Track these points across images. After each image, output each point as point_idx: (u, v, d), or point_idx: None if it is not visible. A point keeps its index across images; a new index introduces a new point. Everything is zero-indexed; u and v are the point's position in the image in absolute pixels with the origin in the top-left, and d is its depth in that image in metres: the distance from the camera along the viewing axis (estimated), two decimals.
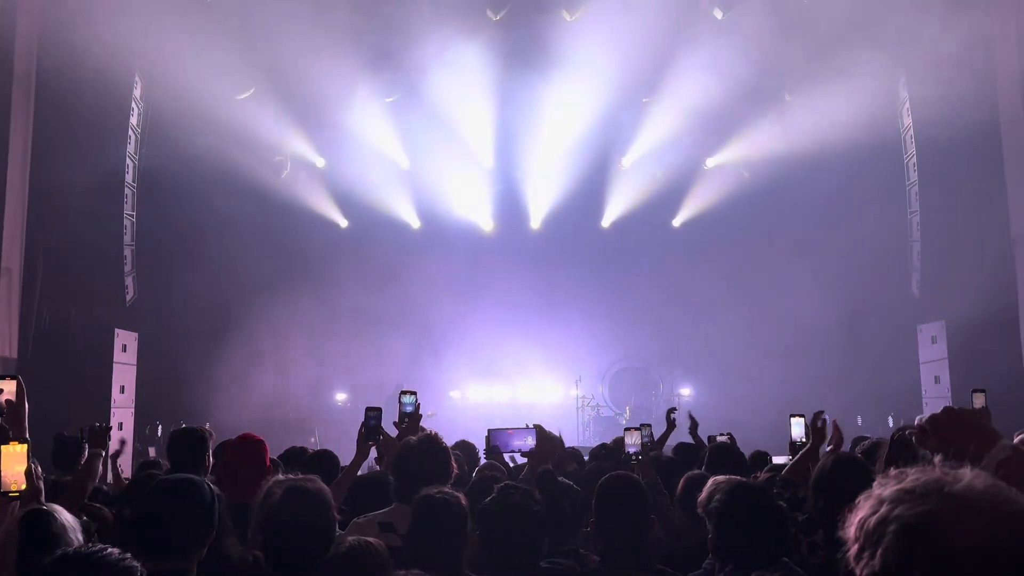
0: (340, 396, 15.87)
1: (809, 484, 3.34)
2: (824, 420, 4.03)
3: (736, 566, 2.61)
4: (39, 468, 4.75)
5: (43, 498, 2.64)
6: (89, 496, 4.12)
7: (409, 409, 4.01)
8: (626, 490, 3.10)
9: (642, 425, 5.15)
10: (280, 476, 2.87)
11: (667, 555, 3.49)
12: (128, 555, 2.08)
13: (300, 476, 2.87)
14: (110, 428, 4.01)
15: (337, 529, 3.04)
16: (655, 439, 5.47)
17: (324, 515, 2.75)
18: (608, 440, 5.74)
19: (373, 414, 3.94)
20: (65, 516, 2.87)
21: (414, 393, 4.11)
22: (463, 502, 2.83)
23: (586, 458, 5.36)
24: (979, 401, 4.75)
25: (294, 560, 2.65)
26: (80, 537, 2.64)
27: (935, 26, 12.16)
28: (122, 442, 6.57)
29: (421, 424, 4.04)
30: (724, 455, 4.47)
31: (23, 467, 2.60)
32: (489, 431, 4.26)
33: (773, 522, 2.68)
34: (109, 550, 2.09)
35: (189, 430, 4.09)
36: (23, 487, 2.59)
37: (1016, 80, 11.88)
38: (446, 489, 2.90)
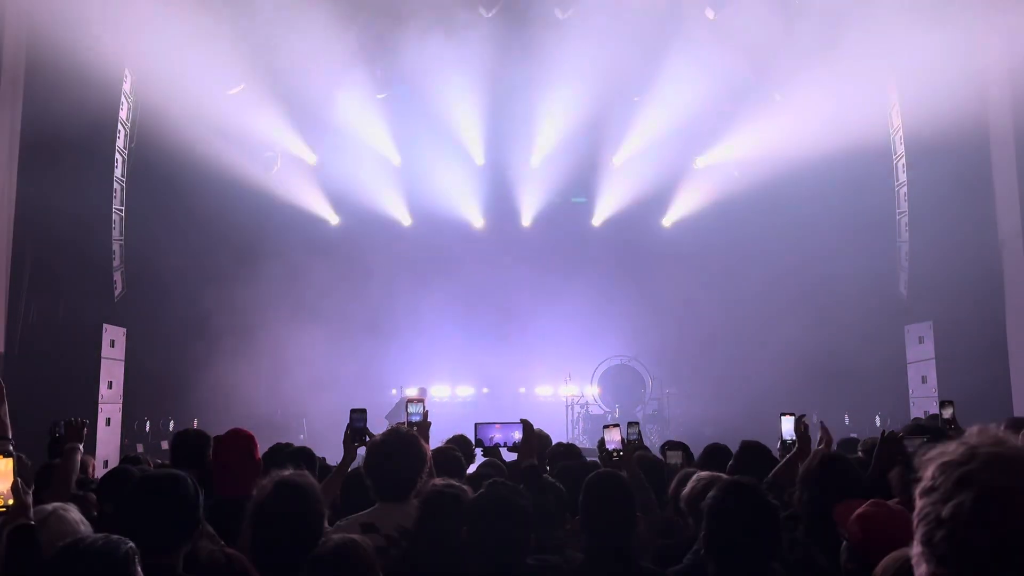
0: (329, 395, 15.83)
1: (797, 477, 3.36)
2: (806, 424, 4.05)
3: (728, 564, 2.62)
4: (27, 464, 4.75)
5: (30, 514, 2.61)
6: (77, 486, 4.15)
7: (417, 419, 3.97)
8: (612, 487, 3.11)
9: (630, 423, 5.15)
10: (285, 472, 2.89)
11: (656, 551, 3.50)
12: (125, 541, 2.11)
13: (291, 471, 2.87)
14: (87, 423, 4.03)
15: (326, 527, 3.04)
16: (641, 437, 5.47)
17: (313, 509, 2.76)
18: (597, 438, 5.74)
19: (358, 416, 3.91)
20: (75, 514, 2.89)
21: (421, 401, 4.07)
22: (465, 491, 2.86)
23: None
24: (947, 412, 4.90)
25: (283, 553, 2.66)
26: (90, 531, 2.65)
27: (925, 28, 12.21)
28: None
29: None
30: (756, 456, 4.35)
31: (8, 482, 2.56)
32: (476, 425, 4.26)
33: (767, 522, 2.68)
34: (100, 537, 2.12)
35: (192, 431, 4.16)
36: (10, 502, 2.54)
37: (1005, 82, 11.95)
38: (453, 482, 2.92)
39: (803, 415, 4.12)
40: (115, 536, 2.14)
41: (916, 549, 1.14)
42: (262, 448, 5.03)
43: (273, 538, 2.71)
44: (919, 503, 1.15)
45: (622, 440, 4.13)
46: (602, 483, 3.13)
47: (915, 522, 1.15)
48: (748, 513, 2.65)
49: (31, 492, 2.64)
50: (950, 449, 1.15)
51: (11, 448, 3.63)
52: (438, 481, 2.86)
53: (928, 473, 1.14)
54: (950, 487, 1.10)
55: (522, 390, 16.30)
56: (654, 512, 3.87)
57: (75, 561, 2.06)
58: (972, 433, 1.16)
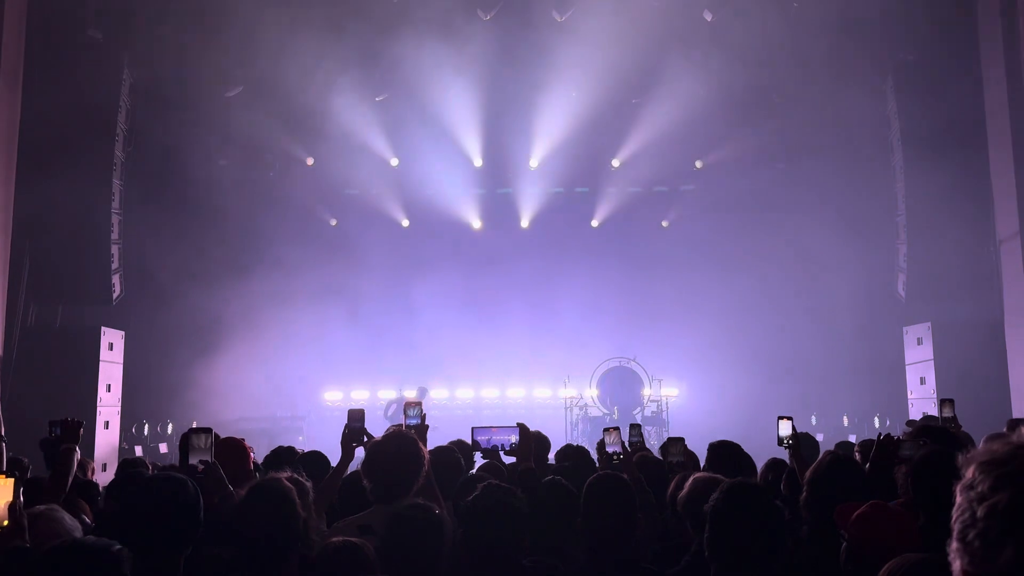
0: (329, 396, 15.85)
1: (805, 477, 3.37)
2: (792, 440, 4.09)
3: (731, 566, 2.62)
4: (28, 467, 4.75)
5: (27, 536, 2.56)
6: (83, 492, 4.14)
7: (415, 422, 3.98)
8: (614, 489, 3.12)
9: (632, 426, 5.16)
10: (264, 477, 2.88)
11: (655, 553, 3.51)
12: (116, 546, 2.09)
13: (270, 476, 2.87)
14: (82, 423, 4.01)
15: (316, 528, 3.04)
16: (643, 439, 5.49)
17: (287, 512, 2.72)
18: (596, 440, 5.77)
19: (357, 415, 3.92)
20: (63, 514, 2.88)
21: (419, 404, 4.08)
22: (435, 513, 2.84)
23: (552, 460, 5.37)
24: (948, 411, 4.92)
25: (261, 556, 2.65)
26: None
27: (923, 30, 12.26)
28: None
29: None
30: (726, 454, 4.40)
31: (7, 501, 2.50)
32: (473, 428, 4.27)
33: (770, 524, 2.67)
34: (90, 541, 2.11)
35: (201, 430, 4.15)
36: (4, 523, 2.47)
37: (1002, 83, 11.98)
38: (419, 502, 2.91)
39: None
40: (105, 539, 2.14)
41: (953, 545, 1.14)
42: (263, 451, 5.04)
43: (249, 541, 2.70)
44: (958, 499, 1.14)
45: (622, 443, 4.14)
46: (604, 485, 3.14)
47: (953, 517, 1.14)
48: (751, 515, 2.64)
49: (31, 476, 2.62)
50: (995, 447, 1.14)
51: (3, 447, 3.62)
52: (402, 503, 2.82)
53: (969, 471, 1.14)
54: (988, 487, 1.09)
55: (521, 392, 16.30)
56: (653, 514, 3.88)
57: (68, 561, 2.05)
58: (1020, 433, 1.15)
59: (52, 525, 2.80)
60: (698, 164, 15.89)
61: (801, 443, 4.41)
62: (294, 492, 2.79)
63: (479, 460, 4.57)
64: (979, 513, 1.09)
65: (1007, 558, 1.05)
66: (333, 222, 16.21)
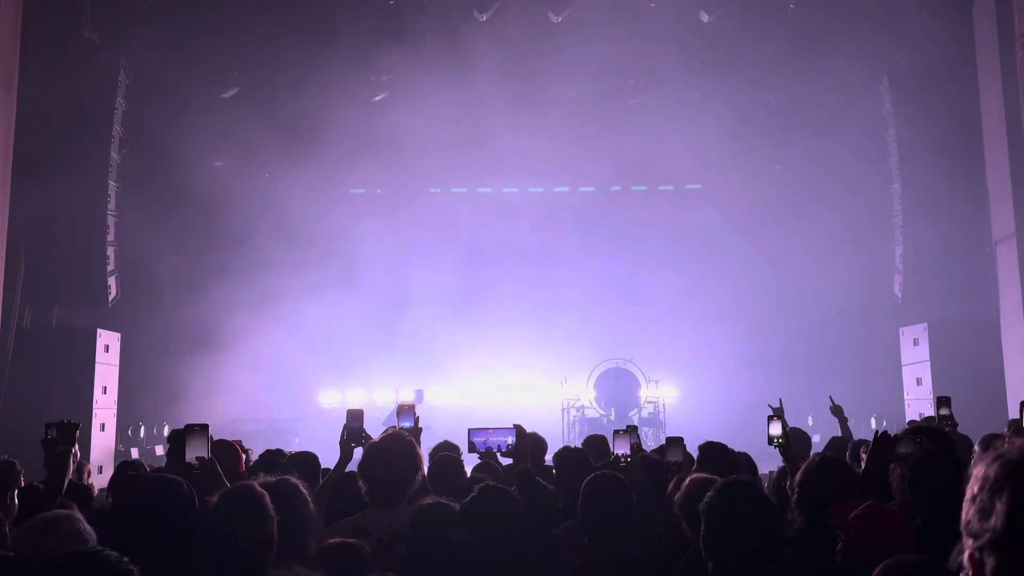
0: (325, 397, 15.82)
1: (795, 478, 3.38)
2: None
3: (727, 564, 2.62)
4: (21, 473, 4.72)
5: (9, 544, 2.52)
6: (76, 496, 4.12)
7: (408, 424, 3.98)
8: (612, 489, 3.12)
9: (629, 427, 5.17)
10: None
11: (656, 553, 3.51)
12: (126, 559, 2.06)
13: (241, 482, 2.85)
14: (79, 425, 3.99)
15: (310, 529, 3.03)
16: (640, 440, 5.50)
17: (256, 522, 2.61)
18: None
19: (355, 416, 3.92)
20: (84, 525, 2.85)
21: (412, 408, 4.08)
22: (457, 511, 2.85)
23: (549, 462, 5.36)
24: (944, 409, 4.93)
25: (228, 568, 2.59)
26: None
27: (918, 31, 12.29)
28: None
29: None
30: (716, 453, 4.42)
31: None
32: (470, 430, 4.27)
33: (764, 521, 2.68)
34: (107, 552, 2.07)
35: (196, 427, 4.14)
36: None
37: (998, 83, 12.01)
38: (442, 501, 2.91)
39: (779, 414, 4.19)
40: (115, 552, 2.10)
41: (963, 539, 1.18)
42: (259, 453, 5.02)
43: (216, 551, 2.62)
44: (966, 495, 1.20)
45: (631, 446, 4.18)
46: (601, 485, 3.14)
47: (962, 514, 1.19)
48: (746, 512, 2.66)
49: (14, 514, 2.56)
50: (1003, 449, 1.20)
51: None
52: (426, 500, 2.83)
53: (976, 469, 1.19)
54: (983, 470, 1.16)
55: (518, 393, 16.27)
56: (654, 516, 3.88)
57: (77, 570, 2.01)
58: None
59: (68, 533, 2.76)
60: (694, 164, 15.86)
61: (792, 438, 4.42)
62: (266, 497, 2.68)
63: (474, 460, 4.56)
64: (975, 490, 1.15)
65: (999, 515, 1.10)
66: (331, 223, 16.16)
